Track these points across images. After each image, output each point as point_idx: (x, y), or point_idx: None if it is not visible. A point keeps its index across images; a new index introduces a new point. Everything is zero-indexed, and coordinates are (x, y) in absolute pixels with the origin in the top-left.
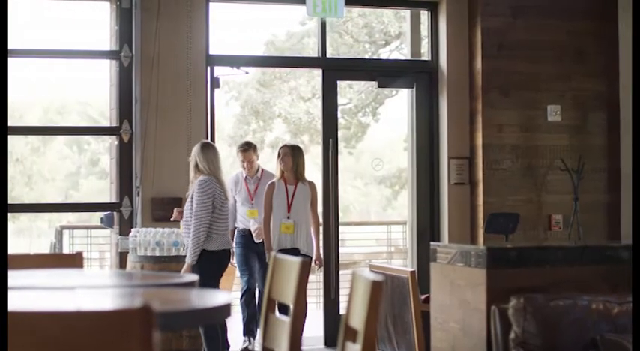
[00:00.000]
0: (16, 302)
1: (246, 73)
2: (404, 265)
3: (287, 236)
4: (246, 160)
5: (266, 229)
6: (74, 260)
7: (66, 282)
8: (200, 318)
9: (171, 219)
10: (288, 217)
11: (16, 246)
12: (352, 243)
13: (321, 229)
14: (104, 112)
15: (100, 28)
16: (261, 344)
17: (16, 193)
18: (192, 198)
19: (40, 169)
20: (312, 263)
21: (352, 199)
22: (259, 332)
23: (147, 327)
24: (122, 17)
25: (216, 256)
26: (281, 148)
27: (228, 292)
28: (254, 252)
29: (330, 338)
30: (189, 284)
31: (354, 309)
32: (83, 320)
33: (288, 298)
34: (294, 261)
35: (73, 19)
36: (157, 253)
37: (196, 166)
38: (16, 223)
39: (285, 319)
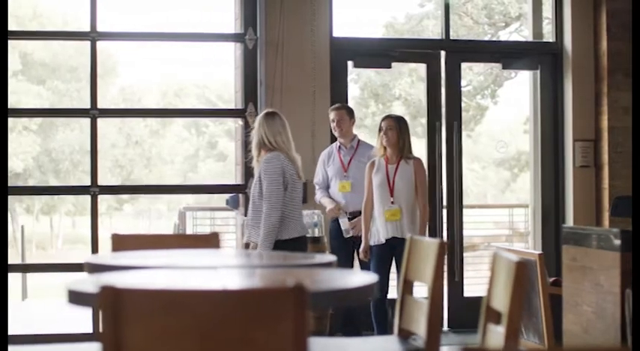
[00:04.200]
0: (165, 281)
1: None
2: (525, 248)
3: (393, 224)
4: (337, 119)
5: (366, 216)
6: (210, 241)
7: (207, 262)
8: (345, 298)
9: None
10: (392, 202)
11: (135, 228)
12: (470, 226)
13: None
14: (222, 95)
15: (224, 11)
16: (398, 326)
17: (135, 176)
18: (259, 180)
19: (159, 152)
20: None
21: (469, 182)
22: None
23: (301, 306)
24: (246, 0)
25: (291, 247)
26: (383, 119)
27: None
28: (349, 245)
29: (453, 321)
30: (328, 265)
31: (497, 291)
32: (237, 299)
33: (426, 279)
34: (432, 242)
35: (197, 3)
36: None
37: (262, 140)
38: (135, 204)
39: (423, 301)
